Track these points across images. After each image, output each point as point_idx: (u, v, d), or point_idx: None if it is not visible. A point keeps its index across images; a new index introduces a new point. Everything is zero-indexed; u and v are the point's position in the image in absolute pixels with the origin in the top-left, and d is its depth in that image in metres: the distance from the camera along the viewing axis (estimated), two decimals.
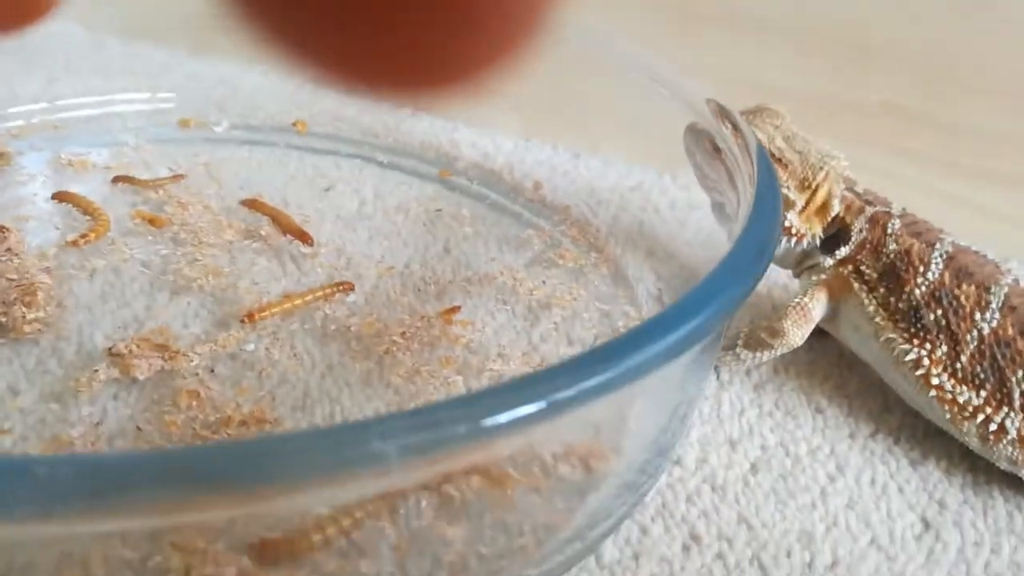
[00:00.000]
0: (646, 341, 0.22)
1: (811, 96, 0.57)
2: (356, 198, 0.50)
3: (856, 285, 0.38)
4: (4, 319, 0.36)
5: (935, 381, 0.36)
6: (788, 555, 0.31)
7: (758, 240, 0.28)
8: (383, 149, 0.55)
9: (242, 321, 0.37)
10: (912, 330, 0.36)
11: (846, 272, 0.39)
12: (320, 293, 0.39)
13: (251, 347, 0.37)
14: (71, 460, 0.19)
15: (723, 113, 0.39)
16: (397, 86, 0.12)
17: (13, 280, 0.38)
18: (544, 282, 0.44)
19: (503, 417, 0.19)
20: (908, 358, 0.36)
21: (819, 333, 0.41)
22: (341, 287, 0.40)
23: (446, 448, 0.19)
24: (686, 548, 0.31)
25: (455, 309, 0.40)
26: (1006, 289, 0.36)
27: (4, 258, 0.40)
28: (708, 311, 0.24)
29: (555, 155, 0.56)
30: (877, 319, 0.37)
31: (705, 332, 0.25)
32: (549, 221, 0.50)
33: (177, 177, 0.47)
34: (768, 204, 0.31)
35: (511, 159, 0.55)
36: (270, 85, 0.57)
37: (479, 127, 0.58)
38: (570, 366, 0.21)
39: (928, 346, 0.36)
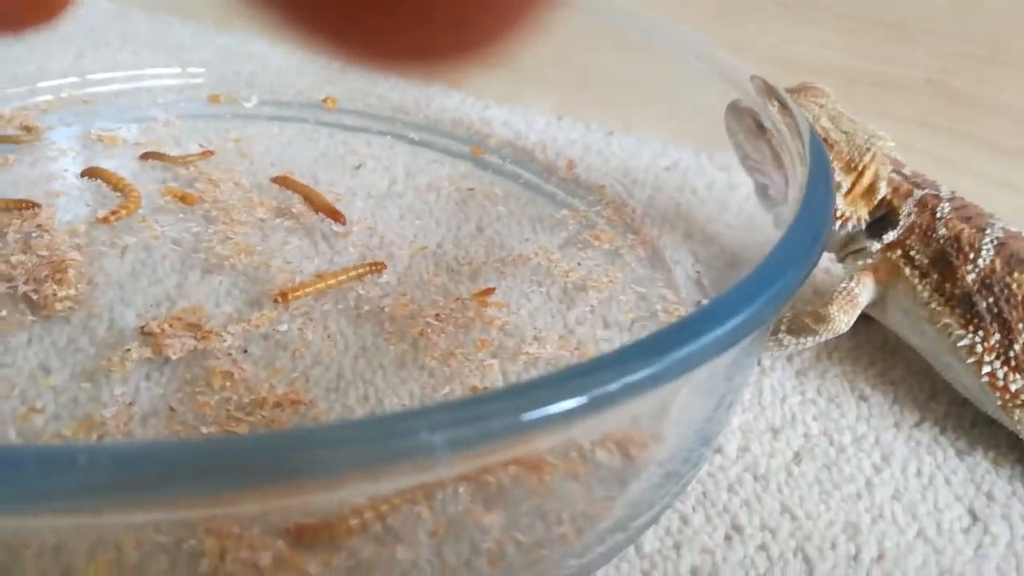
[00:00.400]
0: (701, 332, 0.21)
1: (855, 74, 0.55)
2: (387, 176, 0.49)
3: (907, 270, 0.37)
4: (35, 296, 0.36)
5: (987, 368, 0.35)
6: (833, 547, 0.31)
7: (812, 225, 0.27)
8: (414, 126, 0.54)
9: (275, 301, 0.37)
10: (967, 316, 0.35)
11: (894, 257, 0.38)
12: (353, 273, 0.39)
13: (284, 327, 0.36)
14: (108, 450, 0.18)
15: (769, 91, 0.38)
16: (410, 60, 0.11)
17: (44, 257, 0.38)
18: (579, 264, 0.43)
19: (554, 409, 0.19)
20: (961, 344, 0.35)
21: (863, 319, 0.39)
22: (374, 267, 0.40)
23: (493, 442, 0.19)
24: (728, 538, 0.30)
25: (490, 291, 0.40)
26: None
27: (35, 234, 0.39)
28: (760, 301, 0.23)
29: (588, 133, 0.55)
30: (932, 304, 0.36)
31: (757, 323, 0.24)
32: (584, 201, 0.49)
33: (207, 153, 0.46)
34: (821, 187, 0.30)
35: (544, 137, 0.54)
36: (299, 61, 0.57)
37: (511, 104, 0.57)
38: (620, 356, 0.20)
39: (981, 333, 0.35)
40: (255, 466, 0.17)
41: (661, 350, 0.20)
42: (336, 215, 0.43)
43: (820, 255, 0.26)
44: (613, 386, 0.20)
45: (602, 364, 0.20)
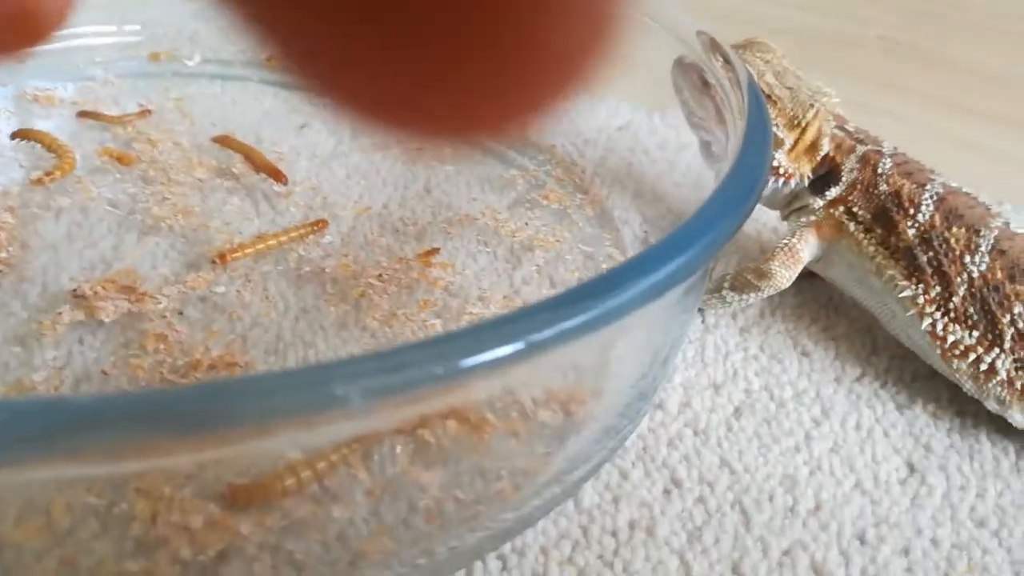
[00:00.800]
0: (628, 280, 0.21)
1: (810, 31, 0.55)
2: (333, 136, 0.48)
3: (851, 226, 0.37)
4: None
5: (928, 320, 0.35)
6: (770, 499, 0.31)
7: (746, 177, 0.27)
8: None
9: (213, 262, 0.36)
10: (909, 268, 0.36)
11: (837, 213, 0.38)
12: (294, 233, 0.38)
13: (222, 289, 0.36)
14: (17, 403, 0.18)
15: (714, 46, 0.37)
16: (448, 132, 0.10)
17: None
18: (527, 223, 0.43)
19: (472, 360, 0.18)
20: (904, 295, 0.35)
21: (807, 276, 0.40)
22: (315, 226, 0.39)
23: (412, 391, 0.18)
24: (667, 492, 0.31)
25: (434, 251, 0.39)
26: (996, 232, 0.35)
27: None
28: (693, 250, 0.23)
29: None
30: (878, 258, 0.36)
31: (690, 271, 0.24)
32: (534, 161, 0.48)
33: (145, 113, 0.45)
34: (758, 139, 0.29)
35: None
36: None
37: None
38: (548, 305, 0.20)
39: (923, 285, 0.35)
40: (168, 413, 0.17)
41: (577, 298, 0.20)
42: (277, 175, 0.42)
43: (753, 206, 0.26)
44: (542, 335, 0.20)
45: (520, 315, 0.19)
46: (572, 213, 0.44)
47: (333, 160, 0.46)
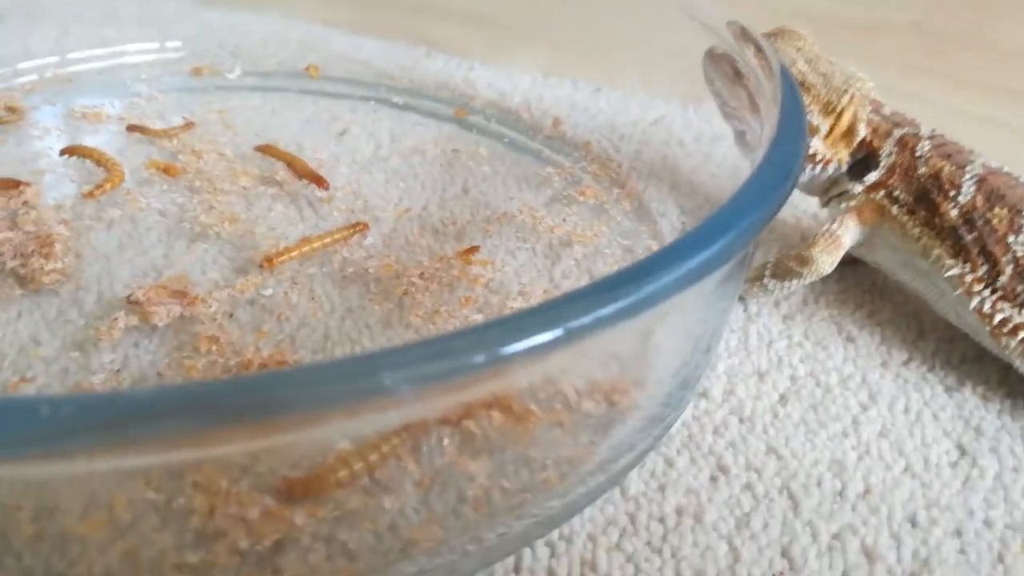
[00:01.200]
0: (664, 267, 0.22)
1: (836, 17, 0.55)
2: (372, 141, 0.49)
3: (893, 209, 0.37)
4: (23, 271, 0.36)
5: (976, 299, 0.35)
6: (819, 484, 0.31)
7: (782, 161, 0.27)
8: (398, 91, 0.54)
9: (260, 266, 0.37)
10: (955, 247, 0.35)
11: (877, 198, 0.38)
12: (337, 235, 0.39)
13: (269, 292, 0.36)
14: (81, 397, 0.18)
15: (745, 35, 0.37)
16: None
17: (31, 232, 0.38)
18: (564, 220, 0.43)
19: (513, 347, 0.19)
20: (950, 274, 0.35)
21: (850, 262, 0.39)
22: (357, 228, 0.40)
23: (456, 377, 0.19)
24: (713, 479, 0.31)
25: (474, 249, 0.40)
26: None
27: (21, 211, 0.39)
28: (728, 236, 0.23)
29: (575, 91, 0.55)
30: (923, 239, 0.36)
31: (725, 258, 0.24)
32: (569, 158, 0.49)
33: (189, 125, 0.46)
34: (793, 124, 0.29)
35: (529, 96, 0.54)
36: (281, 31, 0.57)
37: (496, 65, 0.57)
38: (585, 292, 0.21)
39: (969, 264, 0.35)
40: (218, 404, 0.17)
41: (618, 284, 0.20)
42: (319, 180, 0.43)
43: (790, 191, 0.26)
44: (580, 321, 0.20)
45: (558, 302, 0.20)
46: (609, 208, 0.45)
47: (372, 165, 0.47)
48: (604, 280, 0.21)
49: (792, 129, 0.29)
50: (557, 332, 0.20)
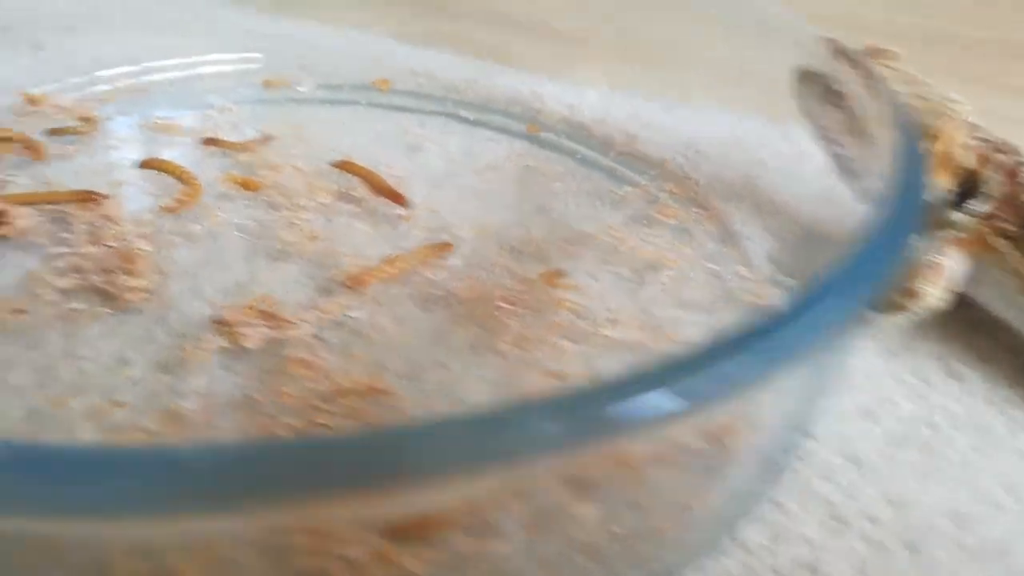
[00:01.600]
0: (814, 319, 0.20)
1: (927, 36, 0.53)
2: (444, 156, 0.48)
3: (1000, 241, 0.35)
4: (109, 288, 0.35)
5: None
6: (939, 534, 0.30)
7: (913, 194, 0.26)
8: (467, 105, 0.53)
9: (347, 286, 0.36)
10: None
11: (981, 227, 0.36)
12: (423, 255, 0.38)
13: (355, 314, 0.36)
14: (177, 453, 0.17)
15: (844, 54, 0.36)
16: None
17: (113, 247, 0.37)
18: (645, 241, 0.42)
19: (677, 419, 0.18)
20: None
21: (957, 303, 0.38)
22: (441, 248, 0.39)
23: (600, 440, 0.18)
24: (827, 527, 0.30)
25: (560, 273, 0.39)
26: None
27: (102, 225, 0.39)
28: (872, 280, 0.22)
29: (647, 106, 0.54)
30: None
31: (868, 304, 0.23)
32: (645, 176, 0.48)
33: (266, 139, 0.46)
34: (914, 154, 0.28)
35: (600, 112, 0.53)
36: (351, 44, 0.56)
37: (566, 78, 0.56)
38: (715, 354, 0.19)
39: None
40: (361, 466, 0.16)
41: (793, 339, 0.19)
42: (398, 198, 0.42)
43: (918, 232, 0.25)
44: (732, 382, 0.19)
45: (681, 366, 0.19)
46: (691, 229, 0.43)
47: (446, 181, 0.46)
48: (747, 341, 0.20)
49: (914, 161, 0.28)
50: (684, 404, 0.18)
